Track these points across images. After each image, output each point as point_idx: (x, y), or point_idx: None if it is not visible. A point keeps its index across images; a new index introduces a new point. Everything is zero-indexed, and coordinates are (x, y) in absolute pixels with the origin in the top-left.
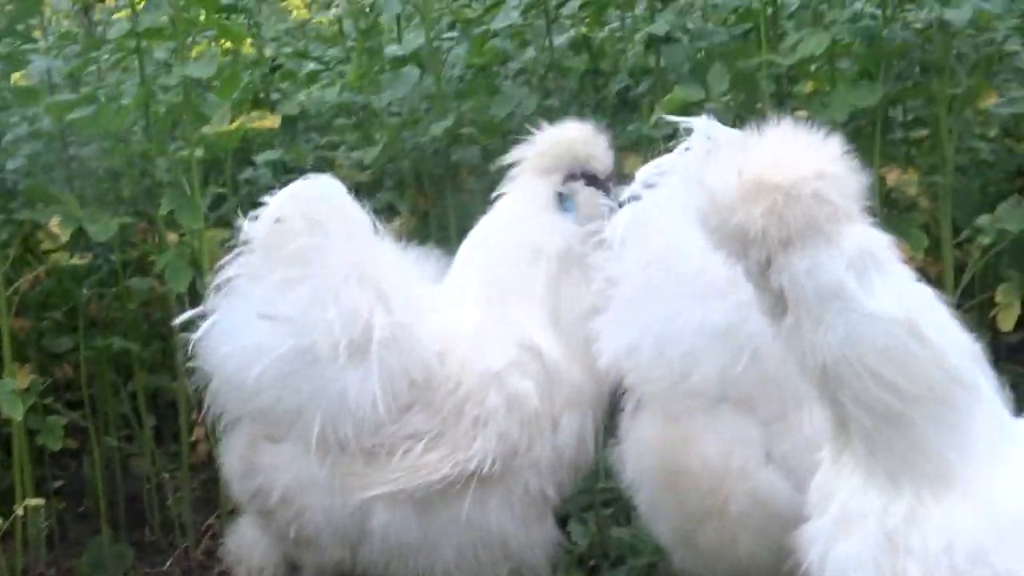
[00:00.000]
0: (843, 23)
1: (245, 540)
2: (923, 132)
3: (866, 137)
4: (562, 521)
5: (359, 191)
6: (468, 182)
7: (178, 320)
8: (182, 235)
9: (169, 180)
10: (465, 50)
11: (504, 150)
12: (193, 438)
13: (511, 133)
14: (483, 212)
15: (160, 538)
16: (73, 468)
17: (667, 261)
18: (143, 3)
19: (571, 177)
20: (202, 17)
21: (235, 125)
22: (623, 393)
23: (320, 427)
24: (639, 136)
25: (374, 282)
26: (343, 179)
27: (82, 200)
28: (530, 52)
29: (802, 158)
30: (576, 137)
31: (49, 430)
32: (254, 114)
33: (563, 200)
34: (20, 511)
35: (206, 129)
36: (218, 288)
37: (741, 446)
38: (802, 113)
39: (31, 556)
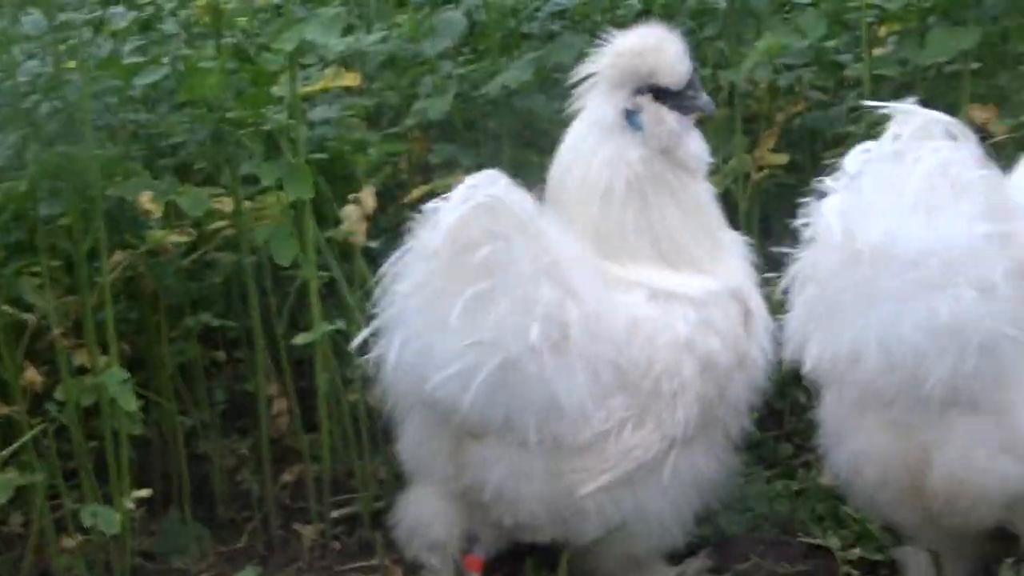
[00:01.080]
0: None
1: (424, 514)
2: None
3: (947, 77)
4: None
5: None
6: (529, 132)
7: (355, 342)
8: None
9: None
10: None
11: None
12: (274, 411)
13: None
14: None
15: (234, 515)
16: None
17: (885, 255)
18: None
19: (638, 92)
20: None
21: (320, 85)
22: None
23: (536, 431)
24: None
25: (560, 277)
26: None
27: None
28: None
29: None
30: (638, 47)
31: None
32: (329, 71)
33: (631, 117)
34: (131, 504)
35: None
36: (390, 300)
37: (979, 447)
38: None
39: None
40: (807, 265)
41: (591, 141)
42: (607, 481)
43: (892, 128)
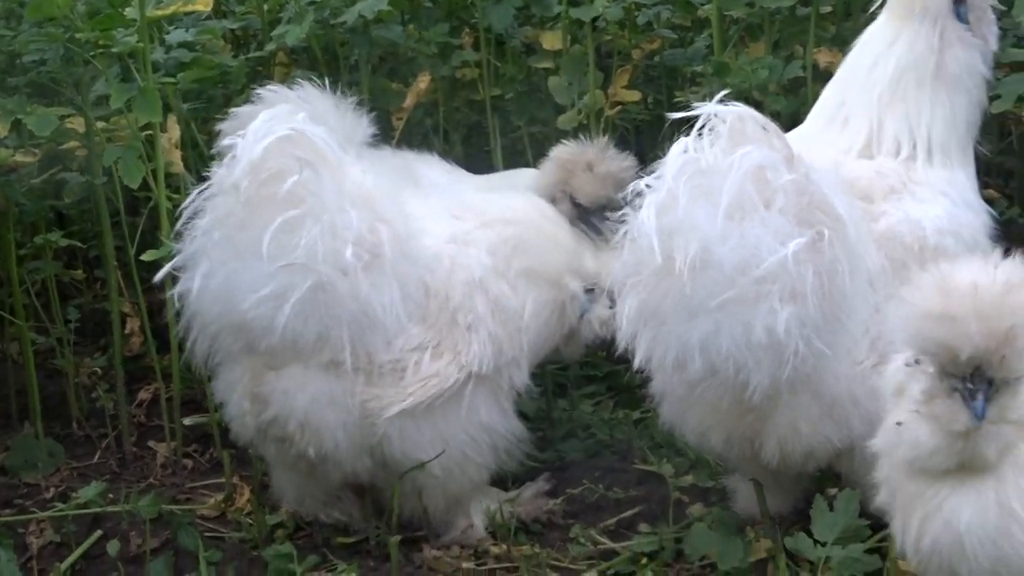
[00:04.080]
0: None
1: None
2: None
3: (798, 20)
4: None
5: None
6: (386, 61)
7: (159, 276)
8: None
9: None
10: None
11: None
12: (127, 330)
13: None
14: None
15: (89, 432)
16: None
17: (701, 271)
18: None
19: None
20: None
21: (172, 9)
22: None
23: (350, 346)
24: (556, 16)
25: (368, 201)
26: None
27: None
28: None
29: None
30: None
31: None
32: None
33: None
34: None
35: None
36: (191, 235)
37: (803, 419)
38: None
39: None
40: (631, 267)
41: None
42: (408, 405)
43: (706, 128)
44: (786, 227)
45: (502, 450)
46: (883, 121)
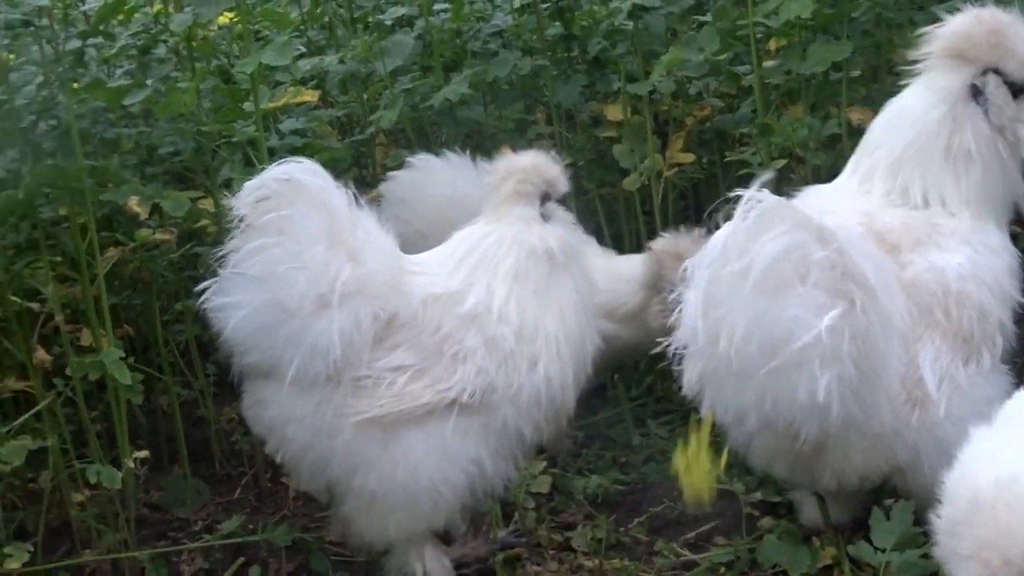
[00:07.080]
0: None
1: None
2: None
3: (831, 84)
4: None
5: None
6: (471, 138)
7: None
8: None
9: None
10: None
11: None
12: None
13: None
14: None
15: (230, 471)
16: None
17: (747, 346)
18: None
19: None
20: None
21: (283, 101)
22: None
23: (295, 370)
24: (617, 91)
25: (345, 245)
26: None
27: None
28: (499, 17)
29: None
30: None
31: (130, 387)
32: (291, 89)
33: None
34: (131, 463)
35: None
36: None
37: (854, 451)
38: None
39: (127, 500)
40: (686, 339)
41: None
42: (378, 414)
43: (738, 213)
44: (820, 299)
45: (479, 488)
46: (902, 182)
